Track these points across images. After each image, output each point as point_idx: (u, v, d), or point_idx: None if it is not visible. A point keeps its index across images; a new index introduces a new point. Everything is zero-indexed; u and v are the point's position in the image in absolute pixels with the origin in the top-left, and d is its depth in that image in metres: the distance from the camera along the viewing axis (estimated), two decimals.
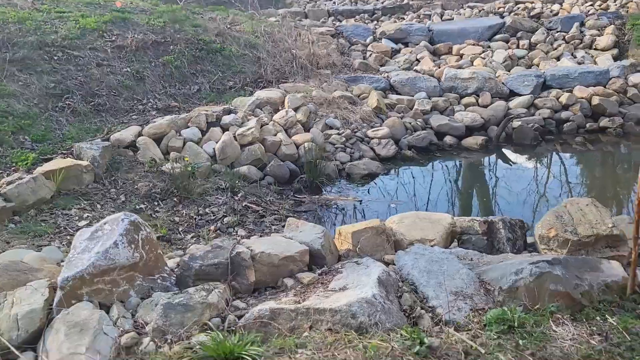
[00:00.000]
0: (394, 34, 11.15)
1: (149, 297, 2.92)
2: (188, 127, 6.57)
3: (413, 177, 6.82)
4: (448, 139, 7.78)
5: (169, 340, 2.57)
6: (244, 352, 2.38)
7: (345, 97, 8.19)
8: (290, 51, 9.18)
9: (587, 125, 8.18)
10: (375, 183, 6.60)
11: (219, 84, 8.02)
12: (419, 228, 3.76)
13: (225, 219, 5.27)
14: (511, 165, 7.36)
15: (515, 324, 2.70)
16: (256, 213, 5.54)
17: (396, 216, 4.01)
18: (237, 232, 5.11)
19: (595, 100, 8.34)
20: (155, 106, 7.09)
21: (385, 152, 7.24)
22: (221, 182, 5.89)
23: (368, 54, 10.45)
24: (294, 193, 6.19)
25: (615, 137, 7.97)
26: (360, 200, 6.04)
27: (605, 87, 8.67)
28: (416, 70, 9.62)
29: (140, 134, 6.27)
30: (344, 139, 7.29)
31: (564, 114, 8.31)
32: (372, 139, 7.43)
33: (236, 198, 5.67)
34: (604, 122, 8.14)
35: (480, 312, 2.89)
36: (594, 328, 2.74)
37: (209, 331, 2.63)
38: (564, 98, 8.43)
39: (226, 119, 6.86)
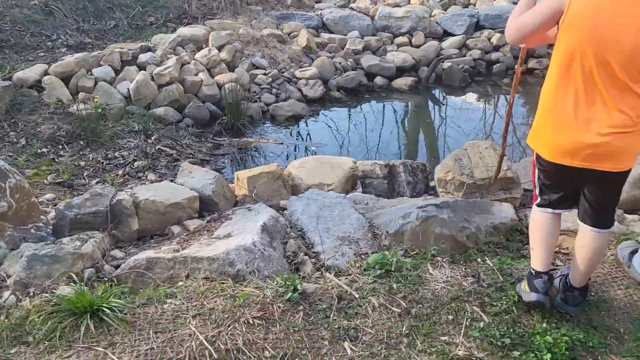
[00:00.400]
0: None
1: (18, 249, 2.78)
2: (100, 65, 6.19)
3: (338, 119, 6.72)
4: (378, 80, 7.67)
5: (31, 293, 2.46)
6: (104, 305, 2.30)
7: (274, 36, 7.89)
8: None
9: (516, 67, 8.20)
10: (300, 125, 6.48)
11: (139, 19, 7.56)
12: (319, 172, 3.70)
13: (135, 163, 5.07)
14: (438, 107, 7.36)
15: (393, 268, 2.71)
16: (170, 157, 5.36)
17: (297, 160, 3.94)
18: (147, 176, 4.94)
19: None
20: (65, 43, 6.63)
21: (312, 93, 7.09)
22: (134, 125, 5.64)
23: None
24: (214, 135, 6.00)
25: (542, 79, 8.03)
26: (282, 143, 5.93)
27: None
28: (352, 8, 9.32)
29: (46, 73, 5.88)
30: (270, 79, 7.07)
31: (494, 55, 8.30)
32: (300, 79, 7.24)
33: (149, 141, 5.45)
34: (532, 63, 8.19)
35: (363, 257, 2.89)
36: (469, 270, 2.78)
37: (75, 283, 2.53)
38: (495, 39, 8.39)
39: (143, 57, 6.50)
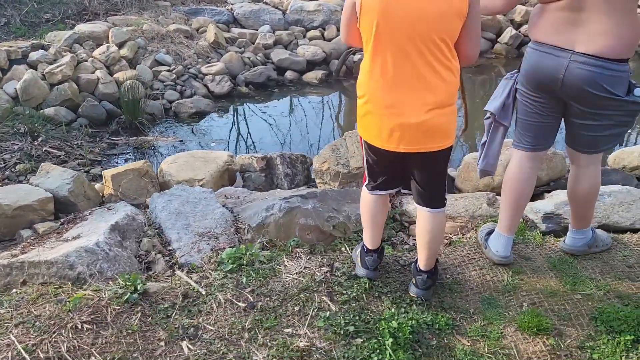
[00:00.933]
0: None
1: None
2: None
3: (244, 115, 6.61)
4: (289, 74, 7.60)
5: None
6: None
7: (181, 31, 7.68)
8: None
9: None
10: (204, 122, 6.32)
11: (34, 16, 7.18)
12: (191, 168, 3.59)
13: (17, 166, 4.80)
14: (347, 99, 7.36)
15: (245, 261, 2.64)
16: (57, 158, 5.09)
17: (171, 156, 3.82)
18: (29, 179, 4.66)
19: None
20: None
21: (219, 89, 6.94)
22: (21, 126, 5.34)
23: None
24: (110, 135, 5.77)
25: None
26: (181, 140, 5.77)
27: None
28: (265, 2, 9.22)
29: None
30: (174, 75, 6.87)
31: None
32: (207, 75, 7.08)
33: (35, 143, 5.17)
34: None
35: (220, 252, 2.80)
36: (325, 260, 2.75)
37: None
38: None
39: (34, 55, 6.18)
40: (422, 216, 2.40)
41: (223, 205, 3.21)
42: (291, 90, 7.37)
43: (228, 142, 5.80)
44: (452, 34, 2.06)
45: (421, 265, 2.50)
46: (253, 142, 5.82)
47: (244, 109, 6.76)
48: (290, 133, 6.12)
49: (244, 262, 2.64)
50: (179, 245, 2.80)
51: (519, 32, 8.69)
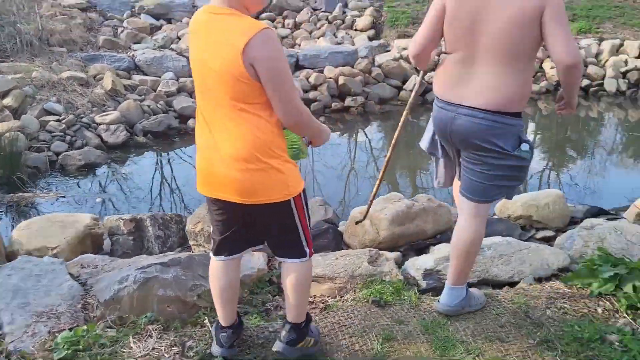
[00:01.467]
0: (154, 9, 10.39)
1: None
2: None
3: (138, 167, 6.27)
4: (191, 122, 7.35)
5: None
6: None
7: (75, 79, 7.31)
8: (14, 25, 7.96)
9: (333, 105, 8.37)
10: (93, 175, 5.94)
11: None
12: (45, 234, 3.25)
13: None
14: None
15: (82, 346, 2.34)
16: None
17: (25, 222, 3.45)
18: None
19: (342, 80, 8.56)
20: None
21: (114, 139, 6.59)
22: None
23: (120, 30, 9.56)
24: None
25: (358, 116, 8.30)
26: (64, 196, 5.35)
27: (352, 67, 8.98)
28: (172, 49, 9.04)
29: None
30: (64, 125, 6.47)
31: (312, 94, 8.40)
32: (100, 124, 6.72)
33: None
34: (348, 101, 8.42)
35: (58, 334, 2.48)
36: (178, 338, 2.48)
37: None
38: (313, 78, 8.53)
39: None
40: (283, 266, 2.28)
41: (76, 277, 2.89)
42: (193, 140, 7.09)
43: (113, 197, 5.44)
44: (241, 95, 1.89)
45: (288, 316, 2.34)
46: (141, 197, 5.48)
47: (139, 160, 6.43)
48: (184, 187, 5.82)
49: (81, 346, 2.33)
50: (10, 329, 2.45)
51: (424, 80, 8.94)
